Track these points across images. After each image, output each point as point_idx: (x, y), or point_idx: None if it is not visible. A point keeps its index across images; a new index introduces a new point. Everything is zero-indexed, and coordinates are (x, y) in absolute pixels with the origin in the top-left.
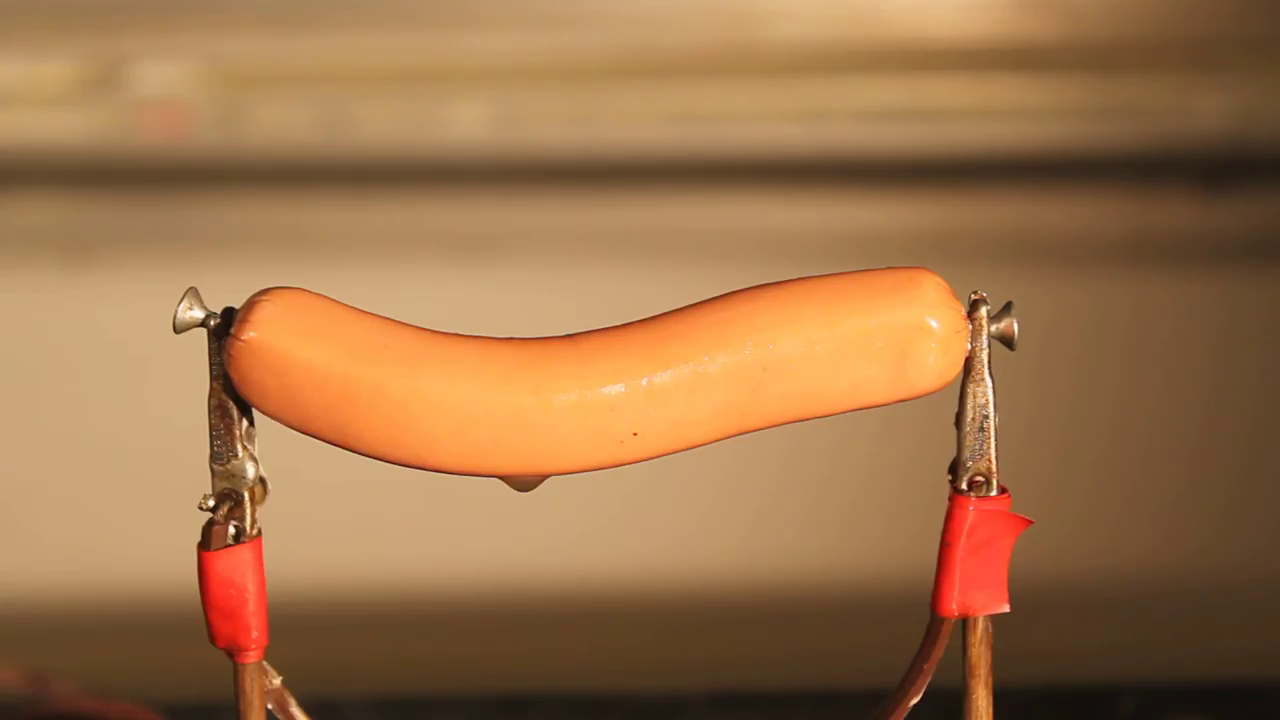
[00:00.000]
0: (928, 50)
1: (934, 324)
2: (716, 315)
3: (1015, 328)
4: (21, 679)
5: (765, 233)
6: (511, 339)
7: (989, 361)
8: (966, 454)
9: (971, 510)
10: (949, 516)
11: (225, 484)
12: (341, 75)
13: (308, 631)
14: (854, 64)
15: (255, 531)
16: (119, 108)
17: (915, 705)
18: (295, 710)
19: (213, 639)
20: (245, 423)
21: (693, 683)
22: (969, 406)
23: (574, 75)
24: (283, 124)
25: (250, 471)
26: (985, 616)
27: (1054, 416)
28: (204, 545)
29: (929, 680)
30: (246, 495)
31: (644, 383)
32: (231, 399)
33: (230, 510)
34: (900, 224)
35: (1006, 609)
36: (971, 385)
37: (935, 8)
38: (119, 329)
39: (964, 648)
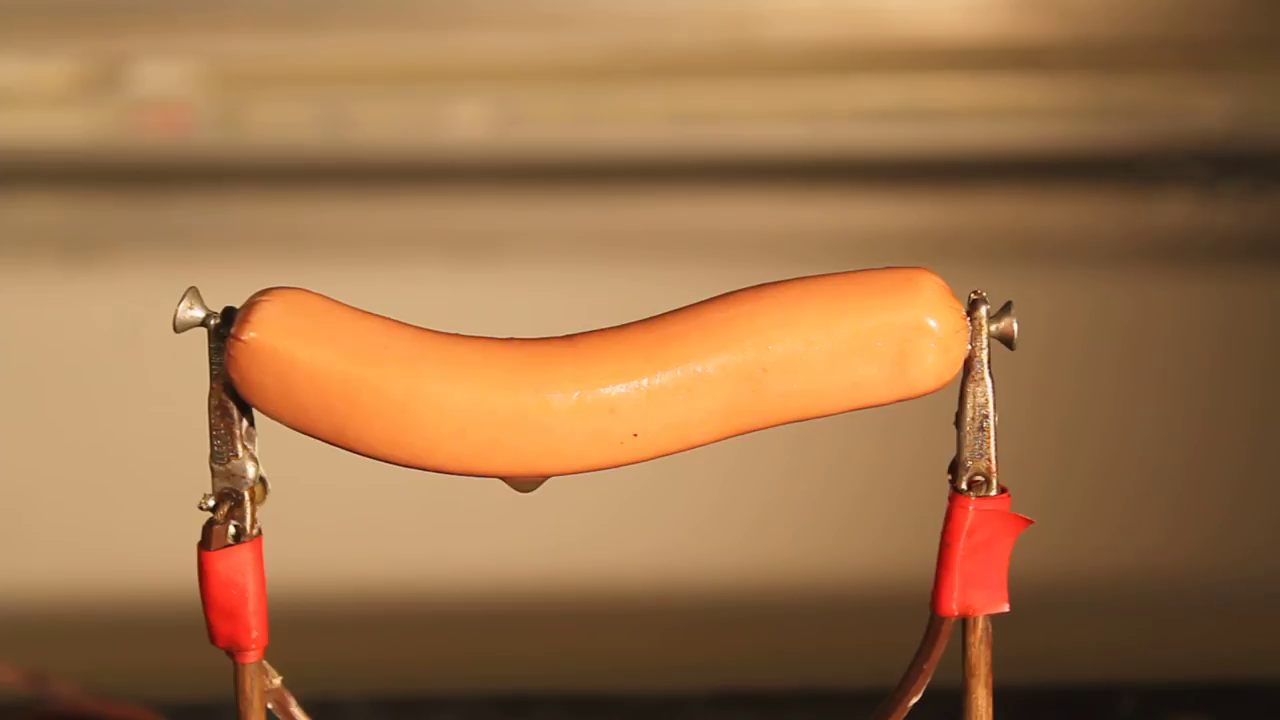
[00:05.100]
0: (928, 50)
1: (933, 324)
2: (716, 315)
3: (1015, 327)
4: (22, 679)
5: (765, 233)
6: (512, 339)
7: (989, 361)
8: (966, 454)
9: (971, 510)
10: (949, 516)
11: (225, 484)
12: (341, 75)
13: (308, 631)
14: (854, 64)
15: (255, 531)
16: (119, 108)
17: (915, 705)
18: (295, 710)
19: (213, 639)
20: (245, 423)
21: (693, 683)
22: (969, 406)
23: (574, 75)
24: (283, 124)
25: (250, 471)
26: (985, 616)
27: (1054, 416)
28: (204, 545)
29: (929, 680)
30: (246, 495)
31: (644, 383)
32: (231, 399)
33: (230, 510)
34: (900, 224)
35: (1006, 609)
36: (971, 385)
37: (935, 8)
38: (119, 329)
39: (964, 648)
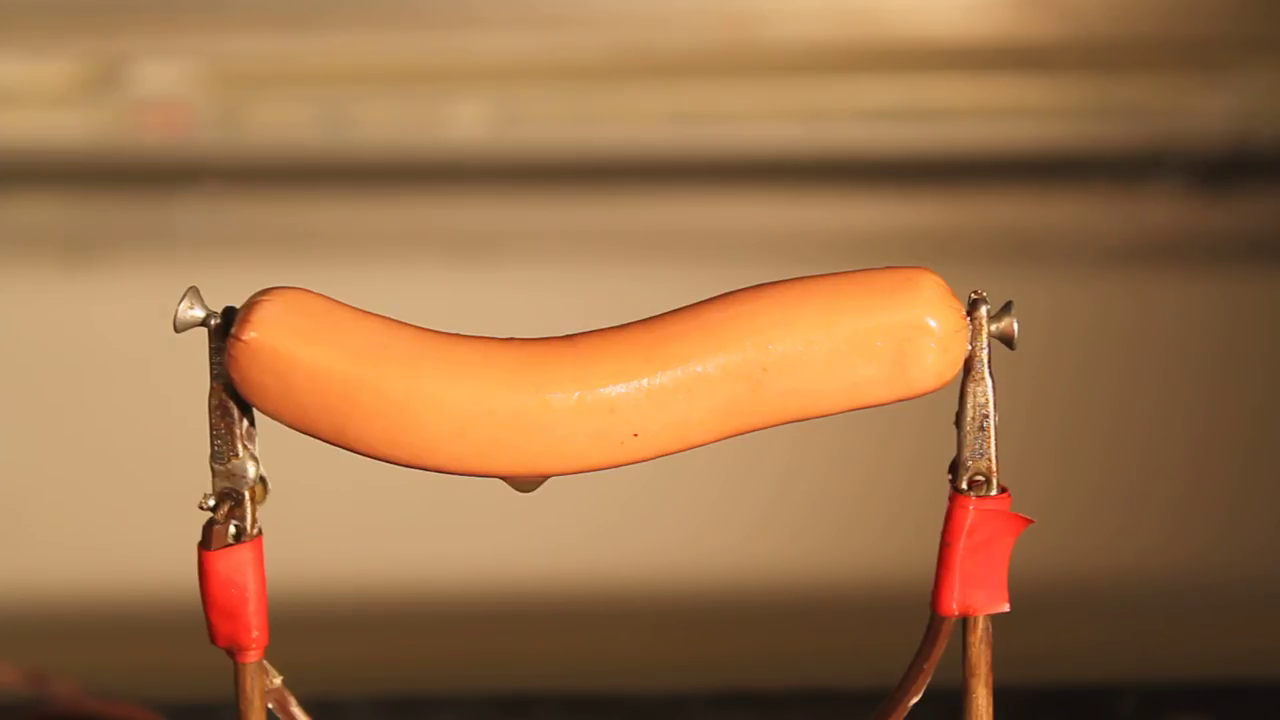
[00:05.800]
0: (928, 50)
1: (933, 323)
2: (716, 315)
3: (1015, 327)
4: (22, 679)
5: (765, 233)
6: (512, 339)
7: (989, 361)
8: (966, 453)
9: (971, 510)
10: (949, 516)
11: (225, 483)
12: (341, 75)
13: (308, 631)
14: (854, 64)
15: (255, 531)
16: (119, 108)
17: (915, 705)
18: (295, 710)
19: (213, 638)
20: (245, 422)
21: (693, 683)
22: (969, 406)
23: (574, 75)
24: (283, 124)
25: (250, 471)
26: (985, 616)
27: (1054, 416)
28: (204, 545)
29: (929, 680)
30: (247, 495)
31: (644, 383)
32: (232, 399)
33: (231, 510)
34: (900, 224)
35: (1006, 608)
36: (971, 385)
37: (935, 8)
38: (119, 329)
39: (964, 647)
